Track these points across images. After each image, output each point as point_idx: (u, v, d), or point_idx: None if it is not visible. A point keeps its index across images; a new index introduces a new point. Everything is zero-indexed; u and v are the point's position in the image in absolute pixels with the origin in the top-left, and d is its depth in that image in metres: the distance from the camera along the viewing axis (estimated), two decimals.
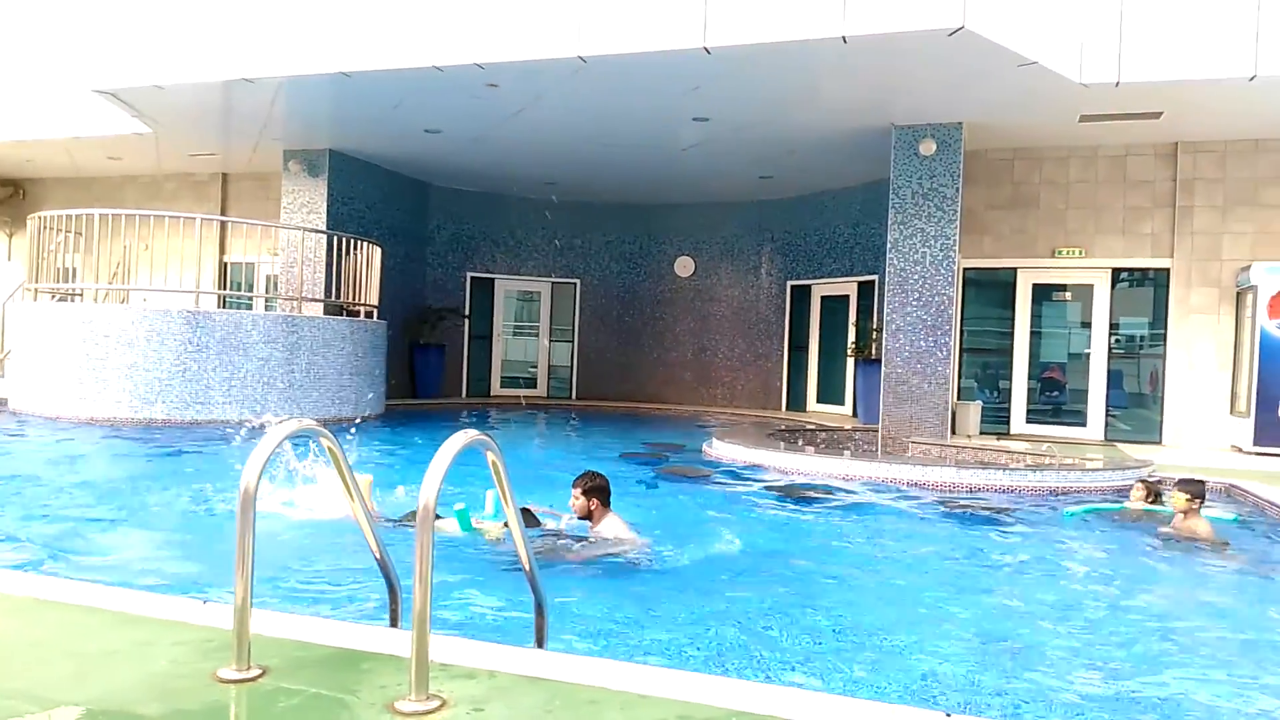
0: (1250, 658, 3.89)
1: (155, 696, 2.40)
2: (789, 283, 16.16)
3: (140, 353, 10.62)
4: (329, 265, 12.84)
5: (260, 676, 2.51)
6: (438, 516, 5.45)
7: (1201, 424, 11.64)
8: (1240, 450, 10.93)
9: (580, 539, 5.17)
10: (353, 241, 12.75)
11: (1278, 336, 10.58)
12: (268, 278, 15.21)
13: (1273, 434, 10.57)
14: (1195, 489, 6.17)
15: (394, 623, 3.12)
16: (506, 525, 5.30)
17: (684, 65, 9.02)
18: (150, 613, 3.06)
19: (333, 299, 12.69)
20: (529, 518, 5.38)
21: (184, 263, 14.35)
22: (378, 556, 3.05)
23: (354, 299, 12.66)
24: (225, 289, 16.12)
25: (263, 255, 14.54)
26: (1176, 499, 6.20)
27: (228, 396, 10.87)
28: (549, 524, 5.48)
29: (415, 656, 2.33)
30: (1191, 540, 5.98)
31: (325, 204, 13.60)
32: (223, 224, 15.84)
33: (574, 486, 5.30)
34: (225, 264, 16.46)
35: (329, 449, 2.75)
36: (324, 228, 13.35)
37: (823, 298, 15.64)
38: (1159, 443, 11.69)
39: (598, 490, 5.24)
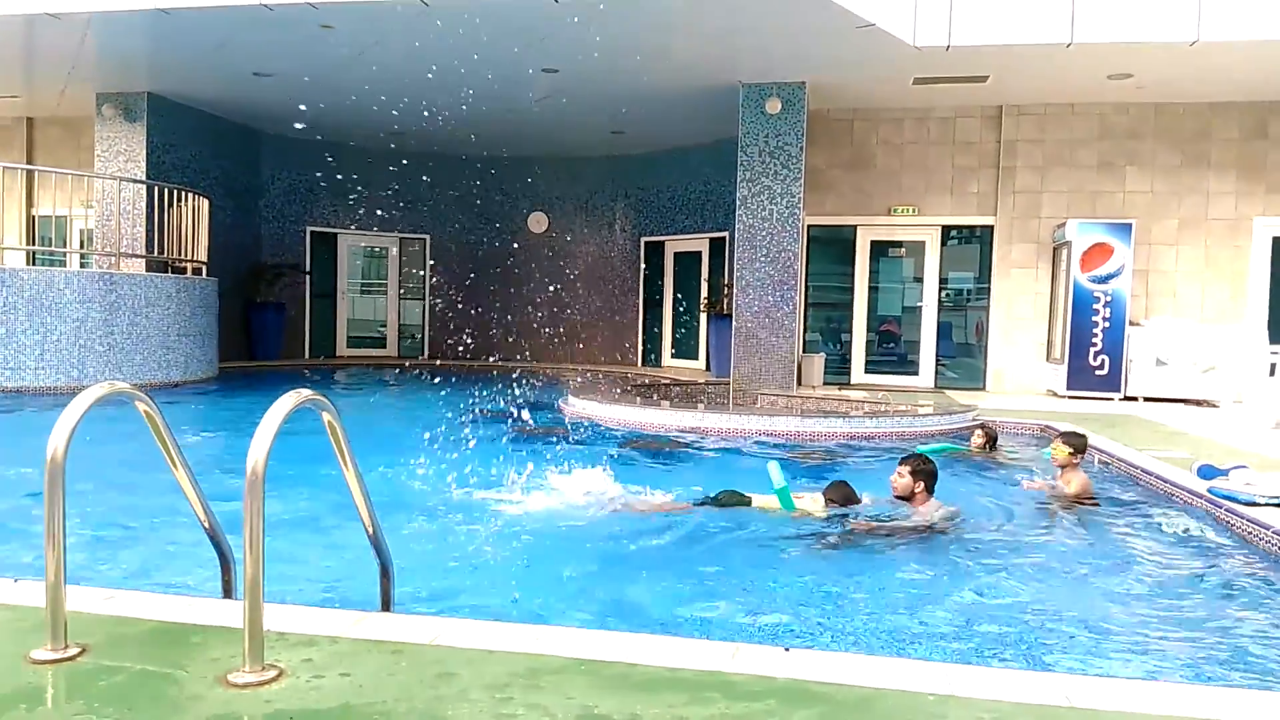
0: (1052, 576, 4.25)
1: None
2: (643, 239, 16.25)
3: None
4: (150, 219, 11.95)
5: (79, 655, 2.36)
6: (742, 497, 5.31)
7: (1020, 371, 12.56)
8: (1055, 394, 11.86)
9: (891, 519, 5.06)
10: (177, 193, 11.90)
11: (1089, 289, 11.49)
12: (82, 232, 14.04)
13: (1083, 379, 11.52)
14: (1077, 442, 5.93)
15: (227, 594, 2.98)
16: (826, 500, 5.17)
17: (532, 13, 8.82)
18: None
19: (155, 255, 11.84)
20: (851, 495, 5.25)
21: None
22: (206, 526, 2.89)
23: (180, 255, 11.86)
24: (34, 244, 14.74)
25: (76, 208, 13.37)
26: (1058, 450, 5.91)
27: (41, 361, 10.02)
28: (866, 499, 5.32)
29: (248, 626, 2.22)
30: (1065, 497, 5.73)
31: (145, 152, 12.61)
32: (29, 173, 14.43)
33: (902, 464, 5.16)
34: (33, 217, 15.04)
35: (145, 413, 2.56)
36: (143, 177, 12.39)
37: (676, 254, 15.82)
38: (983, 389, 12.55)
39: (926, 475, 5.11)
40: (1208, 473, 5.64)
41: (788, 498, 5.15)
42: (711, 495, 5.43)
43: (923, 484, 5.12)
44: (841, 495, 5.24)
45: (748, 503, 5.30)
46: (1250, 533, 4.68)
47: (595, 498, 5.49)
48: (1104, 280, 11.45)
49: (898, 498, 5.20)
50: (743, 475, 6.42)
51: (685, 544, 4.72)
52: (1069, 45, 9.40)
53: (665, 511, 5.25)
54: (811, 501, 5.24)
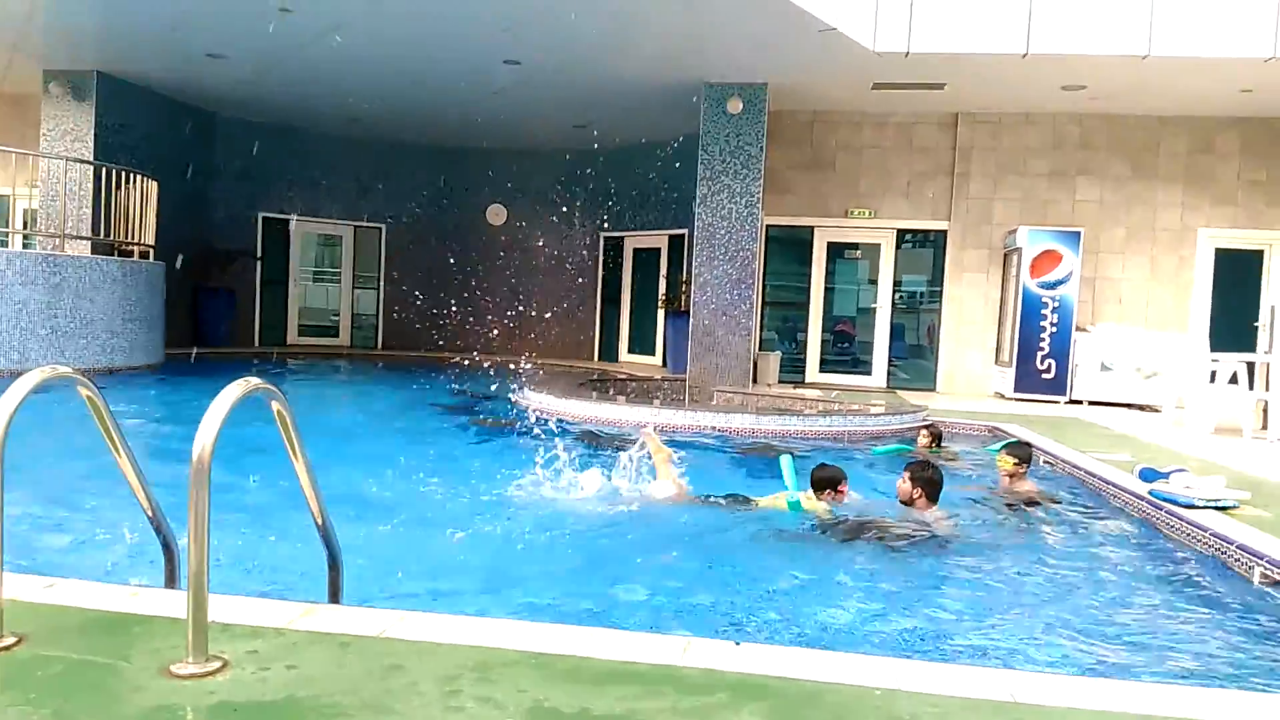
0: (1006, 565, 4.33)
1: None
2: (602, 234, 16.22)
3: None
4: (96, 200, 11.65)
5: (15, 645, 2.29)
6: (744, 498, 5.26)
7: (970, 373, 12.79)
8: (1003, 396, 12.09)
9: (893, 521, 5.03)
10: (124, 174, 11.61)
11: (1038, 294, 11.73)
12: (25, 213, 13.64)
13: (1030, 382, 11.75)
14: (1022, 453, 6.00)
15: (171, 584, 2.92)
16: (816, 492, 5.12)
17: (495, 2, 8.75)
18: None
19: (101, 237, 11.55)
20: (836, 475, 5.22)
21: None
22: (150, 515, 2.83)
23: (126, 238, 11.57)
24: None
25: (20, 187, 12.98)
26: (1004, 462, 5.96)
27: None
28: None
29: (192, 616, 2.18)
30: (1018, 497, 5.78)
31: (92, 132, 12.32)
32: None
33: (905, 470, 5.15)
34: None
35: (87, 398, 2.49)
36: (91, 158, 12.07)
37: (635, 250, 15.82)
38: (934, 390, 12.74)
39: (924, 482, 5.07)
40: (1149, 475, 5.78)
41: (798, 506, 5.14)
42: (714, 496, 5.43)
43: (920, 491, 5.11)
44: (828, 476, 5.26)
45: (752, 505, 5.32)
46: (1188, 534, 4.81)
47: (552, 489, 5.48)
48: (1053, 286, 11.68)
49: (902, 503, 5.21)
50: (719, 472, 6.43)
51: (670, 541, 4.71)
52: (1025, 55, 9.58)
53: (677, 502, 5.26)
54: (806, 500, 5.25)
